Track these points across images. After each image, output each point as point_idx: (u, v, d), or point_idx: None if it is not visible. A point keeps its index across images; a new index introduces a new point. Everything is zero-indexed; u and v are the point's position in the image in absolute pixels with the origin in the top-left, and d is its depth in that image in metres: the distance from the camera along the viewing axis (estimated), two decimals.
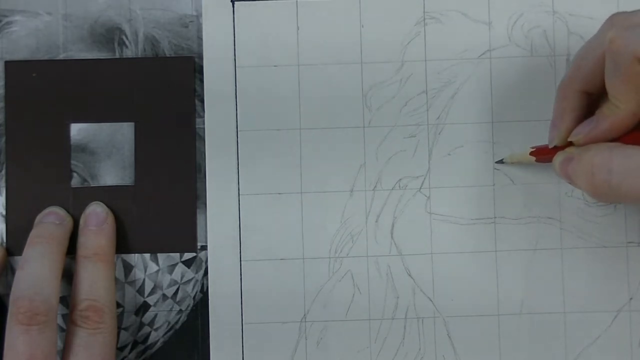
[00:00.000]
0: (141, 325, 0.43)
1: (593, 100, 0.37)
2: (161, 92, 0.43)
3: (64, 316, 0.42)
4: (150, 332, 0.43)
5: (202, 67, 0.43)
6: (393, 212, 0.43)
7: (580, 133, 0.36)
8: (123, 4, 0.43)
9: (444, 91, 0.43)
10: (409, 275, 0.42)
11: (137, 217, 0.43)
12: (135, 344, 0.43)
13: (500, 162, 0.42)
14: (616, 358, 0.42)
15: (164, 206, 0.43)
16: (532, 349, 0.42)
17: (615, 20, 0.35)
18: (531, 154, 0.41)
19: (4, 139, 0.43)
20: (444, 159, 0.43)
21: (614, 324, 0.42)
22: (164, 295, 0.43)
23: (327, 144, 0.43)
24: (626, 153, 0.34)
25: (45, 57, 0.43)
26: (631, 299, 0.42)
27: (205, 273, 0.43)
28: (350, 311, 0.42)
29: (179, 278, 0.43)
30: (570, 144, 0.38)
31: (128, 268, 0.43)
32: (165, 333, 0.43)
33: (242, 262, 0.42)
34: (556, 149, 0.38)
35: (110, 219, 0.42)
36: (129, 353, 0.43)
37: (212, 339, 0.42)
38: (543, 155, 0.40)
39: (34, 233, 0.41)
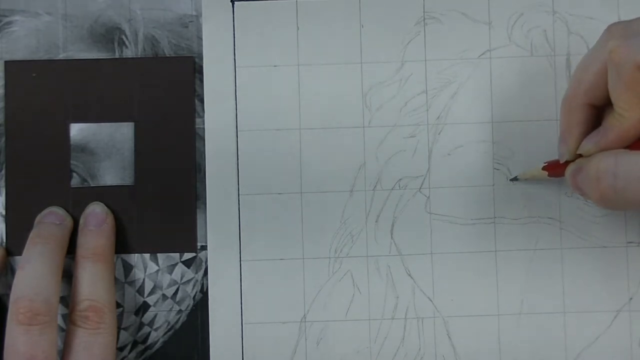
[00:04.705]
0: (141, 325, 0.43)
1: (599, 111, 0.37)
2: (161, 92, 0.43)
3: (64, 316, 0.42)
4: (150, 332, 0.43)
5: (202, 67, 0.43)
6: (393, 212, 0.43)
7: (589, 145, 0.36)
8: (123, 4, 0.43)
9: (444, 91, 0.43)
10: (409, 275, 0.42)
11: (137, 217, 0.43)
12: (135, 344, 0.43)
13: (515, 179, 0.42)
14: (616, 358, 0.42)
15: (164, 206, 0.43)
16: (532, 349, 0.42)
17: (614, 30, 0.34)
18: (544, 169, 0.40)
19: (4, 139, 0.43)
20: (444, 159, 0.43)
21: (614, 324, 0.42)
22: (163, 295, 0.43)
23: (327, 144, 0.43)
24: (631, 159, 0.34)
25: (45, 57, 0.43)
26: (631, 299, 0.42)
27: (205, 273, 0.43)
28: (350, 311, 0.42)
29: (179, 278, 0.43)
30: (581, 157, 0.37)
31: (128, 268, 0.43)
32: (165, 333, 0.43)
33: (242, 262, 0.42)
34: (567, 163, 0.38)
35: (110, 219, 0.42)
36: (129, 353, 0.43)
37: (212, 339, 0.42)
38: (555, 170, 0.40)
39: (34, 233, 0.41)
